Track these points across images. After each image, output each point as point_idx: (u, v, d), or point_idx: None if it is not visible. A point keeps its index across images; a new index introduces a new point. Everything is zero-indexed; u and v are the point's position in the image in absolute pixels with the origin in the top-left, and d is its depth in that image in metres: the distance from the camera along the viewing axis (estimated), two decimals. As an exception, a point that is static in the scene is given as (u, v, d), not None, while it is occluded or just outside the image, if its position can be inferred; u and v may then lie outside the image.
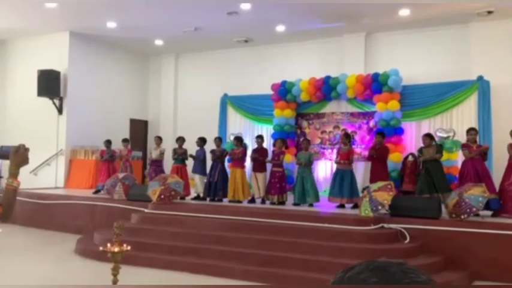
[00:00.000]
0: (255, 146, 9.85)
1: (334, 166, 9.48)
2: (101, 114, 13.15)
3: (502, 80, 9.91)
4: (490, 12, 10.07)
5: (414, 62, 11.06)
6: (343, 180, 8.62)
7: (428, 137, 8.60)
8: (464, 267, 6.35)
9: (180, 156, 10.12)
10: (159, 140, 10.66)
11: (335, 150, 11.15)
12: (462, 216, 6.74)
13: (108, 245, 3.86)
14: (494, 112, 9.93)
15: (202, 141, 10.11)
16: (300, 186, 8.89)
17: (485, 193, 6.78)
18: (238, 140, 9.79)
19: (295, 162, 9.38)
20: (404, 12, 10.34)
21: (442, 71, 10.65)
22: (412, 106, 10.49)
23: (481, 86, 10.00)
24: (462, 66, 10.61)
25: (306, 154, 9.16)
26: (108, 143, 11.11)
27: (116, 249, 3.77)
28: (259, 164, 9.36)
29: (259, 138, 9.71)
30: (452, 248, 6.52)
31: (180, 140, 10.35)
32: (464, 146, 8.13)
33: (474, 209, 6.71)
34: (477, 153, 7.82)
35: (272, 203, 8.97)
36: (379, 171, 8.77)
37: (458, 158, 9.66)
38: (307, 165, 9.00)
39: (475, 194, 6.78)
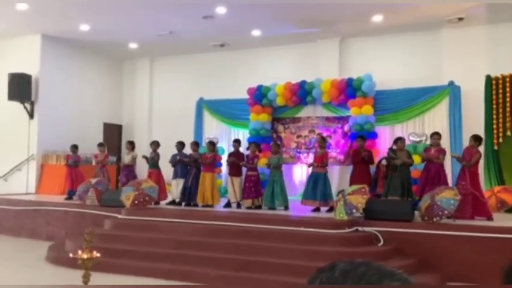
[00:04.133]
0: (232, 150, 9.82)
1: (310, 170, 9.50)
2: (74, 118, 12.91)
3: (472, 85, 10.14)
4: (460, 19, 10.32)
5: (387, 67, 11.24)
6: (316, 183, 8.60)
7: (404, 140, 8.73)
8: (437, 269, 6.44)
9: (154, 161, 10.01)
10: (130, 145, 10.48)
11: (311, 154, 11.24)
12: (434, 219, 6.85)
13: (79, 251, 3.77)
14: (465, 116, 10.16)
15: (181, 145, 9.98)
16: (269, 190, 8.89)
17: (456, 196, 6.91)
18: (212, 144, 9.76)
19: (266, 166, 9.36)
20: (377, 18, 10.50)
21: (415, 76, 10.84)
22: (385, 111, 10.65)
23: (452, 91, 10.23)
24: (434, 71, 10.83)
25: (275, 157, 9.18)
26: (74, 147, 10.86)
27: (86, 256, 3.68)
28: (235, 168, 9.35)
29: (236, 142, 9.71)
30: (425, 250, 6.62)
31: (154, 144, 10.24)
32: (425, 150, 8.48)
33: (446, 212, 6.83)
34: (426, 159, 8.18)
35: (248, 208, 8.94)
36: (361, 174, 8.83)
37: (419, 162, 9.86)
38: (276, 169, 9.00)
39: (447, 197, 6.91)
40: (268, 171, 9.37)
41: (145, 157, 9.95)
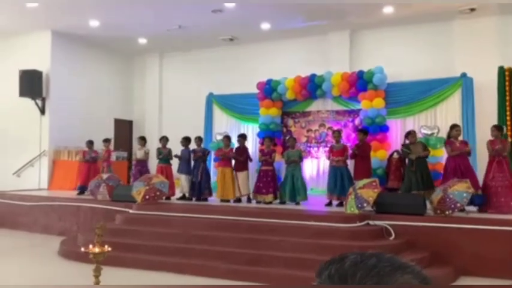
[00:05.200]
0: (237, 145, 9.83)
1: (324, 163, 9.41)
2: (85, 114, 12.98)
3: (485, 76, 9.99)
4: (472, 10, 10.16)
5: (399, 59, 11.11)
6: (342, 179, 8.51)
7: (415, 133, 8.62)
8: (449, 262, 6.38)
9: (165, 156, 10.04)
10: (142, 140, 10.54)
11: (321, 148, 11.18)
12: (447, 212, 6.78)
13: (90, 246, 3.79)
14: (477, 109, 10.01)
15: (186, 140, 10.04)
16: (290, 184, 8.83)
17: (469, 189, 6.83)
18: (228, 138, 9.75)
19: (284, 161, 9.30)
20: (388, 10, 10.37)
21: (426, 68, 10.70)
22: (396, 103, 10.53)
23: (465, 83, 10.08)
24: (446, 63, 10.69)
25: (295, 151, 9.14)
26: (90, 143, 10.95)
27: (97, 250, 3.69)
28: (239, 163, 9.35)
29: (241, 137, 9.69)
30: (437, 244, 6.55)
31: (164, 140, 10.28)
32: (447, 143, 8.11)
33: (458, 205, 6.75)
34: (458, 153, 7.84)
35: (267, 203, 8.88)
36: (361, 168, 8.76)
37: (443, 155, 9.72)
38: (298, 163, 8.96)
39: (459, 189, 6.83)
40: (280, 165, 9.35)
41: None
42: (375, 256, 0.74)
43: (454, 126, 8.17)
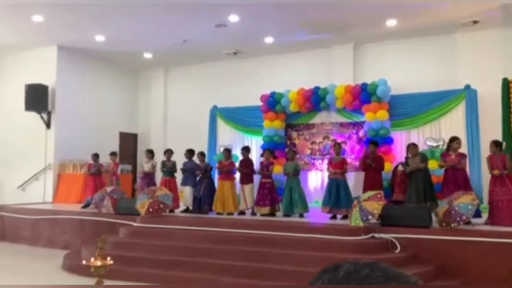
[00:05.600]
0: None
1: (326, 175, 9.41)
2: (90, 128, 13.05)
3: (489, 88, 9.98)
4: (475, 22, 10.18)
5: (402, 71, 11.13)
6: (338, 191, 8.43)
7: (415, 146, 8.59)
8: (456, 275, 6.30)
9: (169, 168, 10.05)
10: (150, 153, 10.55)
11: (326, 161, 11.15)
12: (452, 225, 6.72)
13: (92, 259, 3.77)
14: (481, 120, 9.98)
15: (190, 153, 10.05)
16: (287, 196, 8.82)
17: (474, 201, 6.78)
18: (228, 151, 9.74)
19: (283, 173, 9.29)
20: (391, 23, 10.42)
21: (430, 81, 10.71)
22: (401, 116, 10.52)
23: (469, 95, 10.07)
24: (450, 75, 10.69)
25: (292, 164, 9.09)
26: (95, 156, 10.98)
27: (99, 263, 3.68)
28: (245, 176, 9.33)
29: (245, 150, 9.69)
30: (443, 257, 6.48)
31: (168, 153, 10.30)
32: (442, 155, 8.26)
33: (464, 217, 6.69)
34: (450, 166, 7.91)
35: (264, 215, 8.87)
36: (373, 180, 8.72)
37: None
38: (294, 175, 8.93)
39: (465, 202, 6.77)
40: (284, 178, 9.31)
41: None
42: (368, 266, 0.72)
43: (454, 139, 8.17)
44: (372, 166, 8.83)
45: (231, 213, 9.18)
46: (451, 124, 10.24)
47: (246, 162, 9.49)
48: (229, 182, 9.34)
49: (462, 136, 10.02)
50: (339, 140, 10.93)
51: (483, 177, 9.68)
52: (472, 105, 10.02)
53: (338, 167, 8.60)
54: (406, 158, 8.63)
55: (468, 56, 10.71)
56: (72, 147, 12.39)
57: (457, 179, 7.83)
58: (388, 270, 0.71)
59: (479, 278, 6.21)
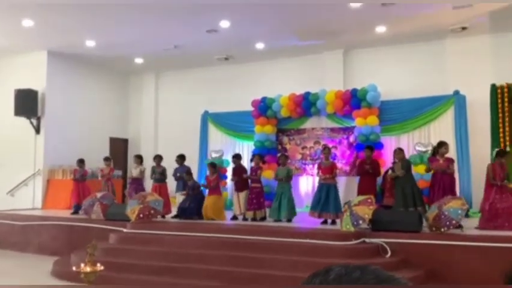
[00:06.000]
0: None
1: (316, 180, 9.42)
2: (80, 133, 12.97)
3: (477, 94, 10.08)
4: (464, 28, 10.30)
5: (392, 77, 11.21)
6: (328, 195, 8.38)
7: (401, 151, 8.64)
8: (446, 280, 6.34)
9: (159, 175, 9.99)
10: (138, 158, 10.52)
11: (316, 166, 11.17)
12: (442, 229, 6.77)
13: (82, 265, 3.74)
14: (470, 126, 10.09)
15: (181, 158, 10.01)
16: (276, 202, 8.78)
17: (464, 205, 6.84)
18: (213, 166, 9.58)
19: (275, 178, 9.27)
20: (380, 29, 10.51)
21: (419, 86, 10.79)
22: (390, 121, 10.61)
23: (457, 101, 10.17)
24: (439, 81, 10.79)
25: (284, 169, 9.06)
26: (80, 162, 10.87)
27: (89, 270, 3.65)
28: (239, 184, 9.30)
29: (235, 157, 9.66)
30: (433, 261, 6.52)
31: (158, 158, 10.25)
32: (430, 160, 8.29)
33: (454, 222, 6.74)
34: (438, 170, 7.96)
35: (253, 219, 8.85)
36: (368, 185, 8.76)
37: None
38: (286, 181, 8.91)
39: (454, 206, 6.83)
40: (275, 183, 9.31)
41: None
42: (359, 269, 0.73)
43: (442, 144, 8.20)
44: (369, 172, 8.87)
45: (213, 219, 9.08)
46: (440, 129, 10.34)
47: (239, 170, 9.46)
48: (213, 196, 9.18)
49: (451, 141, 10.13)
50: (330, 145, 10.97)
51: (472, 182, 9.78)
52: (461, 111, 10.13)
53: (328, 171, 8.56)
54: (394, 163, 8.68)
55: (457, 62, 10.83)
56: (61, 152, 12.30)
57: (444, 183, 7.89)
58: (379, 273, 0.72)
59: (469, 282, 6.25)
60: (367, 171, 8.92)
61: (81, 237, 8.92)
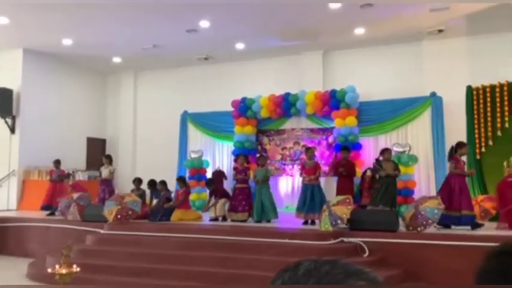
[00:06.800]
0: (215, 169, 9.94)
1: (298, 180, 9.43)
2: (57, 133, 12.74)
3: (453, 95, 10.25)
4: (440, 31, 10.48)
5: (370, 79, 11.33)
6: (313, 196, 8.36)
7: (391, 152, 8.62)
8: (422, 278, 6.43)
9: (142, 198, 9.56)
10: (107, 159, 10.31)
11: (296, 166, 11.21)
12: (419, 229, 6.86)
13: (57, 266, 3.68)
14: (447, 127, 10.26)
15: (163, 184, 9.65)
16: (258, 203, 8.75)
17: (440, 205, 6.94)
18: (182, 180, 9.42)
19: (253, 179, 9.21)
20: (359, 31, 10.61)
21: (397, 88, 10.92)
22: (369, 122, 10.72)
23: (434, 102, 10.34)
24: (416, 82, 10.94)
25: (262, 170, 9.00)
26: (57, 162, 10.69)
27: (64, 271, 3.59)
28: (220, 193, 9.30)
29: (214, 174, 9.68)
30: (410, 260, 6.60)
31: (136, 182, 10.03)
32: (454, 159, 7.69)
33: (430, 221, 6.85)
34: (459, 172, 7.66)
35: (243, 221, 8.77)
36: (345, 186, 8.78)
37: (414, 172, 9.93)
38: (263, 182, 8.87)
39: (431, 206, 6.93)
40: (254, 184, 9.28)
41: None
42: (329, 263, 0.73)
43: (463, 145, 7.76)
44: (343, 174, 8.91)
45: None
46: (418, 130, 10.51)
47: (219, 177, 9.52)
48: (180, 210, 9.06)
49: (428, 142, 10.31)
50: (309, 145, 11.03)
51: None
52: (438, 112, 10.30)
53: (311, 172, 8.54)
54: (377, 160, 8.55)
55: (434, 64, 11.00)
56: (37, 153, 12.06)
57: (461, 185, 7.56)
58: (348, 267, 0.72)
59: (444, 281, 6.35)
60: (341, 174, 8.95)
61: (57, 239, 8.77)
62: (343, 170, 8.90)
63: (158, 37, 11.12)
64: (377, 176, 8.46)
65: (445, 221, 7.30)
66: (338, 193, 8.58)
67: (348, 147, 9.55)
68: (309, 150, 9.08)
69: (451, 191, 7.47)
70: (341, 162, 9.15)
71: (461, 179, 7.62)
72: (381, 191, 8.06)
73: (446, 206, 7.14)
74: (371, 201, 8.22)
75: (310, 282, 0.70)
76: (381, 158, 8.53)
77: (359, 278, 0.71)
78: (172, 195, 9.47)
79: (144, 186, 10.10)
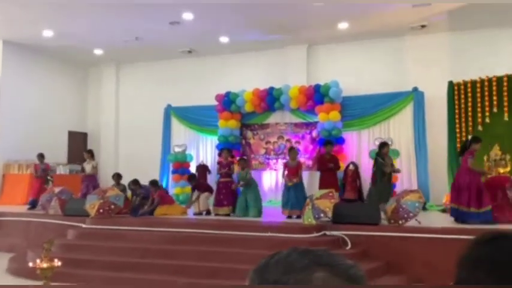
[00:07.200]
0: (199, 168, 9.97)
1: (280, 174, 9.42)
2: (37, 126, 12.54)
3: (435, 90, 10.37)
4: (423, 26, 10.59)
5: (353, 73, 11.39)
6: (296, 194, 8.38)
7: (389, 146, 8.49)
8: (403, 270, 6.52)
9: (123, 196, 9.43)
10: (88, 153, 10.15)
11: (280, 161, 11.25)
12: (400, 222, 6.95)
13: (38, 261, 3.63)
14: (428, 121, 10.39)
15: (136, 184, 9.42)
16: (242, 201, 8.70)
17: (421, 198, 7.05)
18: (153, 184, 9.15)
19: (237, 182, 8.96)
20: (343, 26, 10.65)
21: (380, 83, 11.02)
22: (352, 116, 10.80)
23: (416, 97, 10.46)
24: (399, 77, 11.04)
25: (243, 172, 8.89)
26: (41, 156, 10.53)
27: (45, 265, 3.55)
28: (203, 188, 9.25)
29: (194, 174, 9.55)
30: (392, 253, 6.69)
31: (116, 177, 9.90)
32: (470, 154, 7.25)
33: (411, 214, 6.94)
34: (481, 171, 7.47)
35: (227, 215, 8.75)
36: (329, 180, 8.82)
37: (396, 166, 10.02)
38: (247, 183, 8.78)
39: (412, 199, 7.03)
40: (237, 176, 9.26)
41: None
42: (303, 252, 0.75)
43: (478, 140, 7.37)
44: (332, 168, 8.94)
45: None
46: (400, 125, 10.62)
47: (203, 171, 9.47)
48: (166, 206, 8.99)
49: (410, 137, 10.43)
50: (293, 140, 11.08)
51: (429, 175, 10.10)
52: (419, 107, 10.42)
53: (294, 172, 8.51)
54: (378, 154, 8.33)
55: (416, 59, 11.11)
56: (17, 146, 11.87)
57: (478, 182, 7.21)
58: (322, 258, 0.73)
59: (425, 273, 6.45)
60: (329, 168, 8.98)
61: (38, 233, 8.67)
62: (332, 166, 8.93)
63: (141, 29, 11.00)
64: (380, 171, 8.20)
65: (467, 218, 7.06)
66: (322, 187, 8.61)
67: (331, 141, 9.63)
68: (292, 150, 8.99)
69: (468, 189, 7.08)
70: (325, 157, 9.19)
71: (479, 176, 7.29)
72: (387, 187, 8.02)
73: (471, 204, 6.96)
74: (381, 198, 7.81)
75: (279, 269, 0.72)
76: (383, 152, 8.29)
77: (328, 270, 0.71)
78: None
79: (124, 181, 9.93)
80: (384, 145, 8.38)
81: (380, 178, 8.16)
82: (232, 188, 8.95)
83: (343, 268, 0.72)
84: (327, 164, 9.04)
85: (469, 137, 7.84)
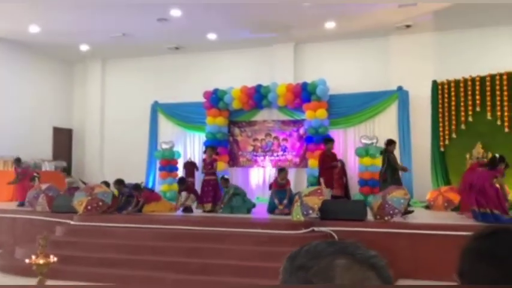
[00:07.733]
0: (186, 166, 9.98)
1: (272, 172, 9.43)
2: (22, 122, 12.40)
3: (419, 90, 10.57)
4: (408, 26, 10.77)
5: (340, 72, 11.52)
6: (284, 197, 8.47)
7: (395, 143, 8.52)
8: (390, 265, 6.60)
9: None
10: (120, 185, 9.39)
11: (267, 157, 11.34)
12: (386, 218, 7.10)
13: (33, 257, 3.65)
14: (413, 120, 10.59)
15: (120, 184, 9.18)
16: (228, 198, 8.70)
17: (406, 195, 7.21)
18: (136, 189, 8.92)
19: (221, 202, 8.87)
20: (330, 25, 10.77)
21: (366, 81, 11.17)
22: (338, 114, 10.94)
23: (401, 96, 10.65)
24: (384, 77, 11.22)
25: (230, 188, 8.88)
26: (17, 161, 10.26)
27: (41, 261, 3.57)
28: (189, 189, 9.30)
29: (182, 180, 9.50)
30: (378, 248, 6.47)
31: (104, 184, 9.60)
32: (499, 172, 7.29)
33: (397, 211, 7.09)
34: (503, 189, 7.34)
35: (208, 211, 8.79)
36: (332, 178, 8.85)
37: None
38: (231, 196, 8.76)
39: (397, 196, 7.18)
40: (227, 173, 9.25)
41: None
42: (331, 244, 0.81)
43: (504, 160, 7.50)
44: (337, 166, 8.97)
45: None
46: (385, 123, 10.81)
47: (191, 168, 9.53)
48: (156, 202, 9.03)
49: (394, 135, 10.60)
50: (280, 137, 11.18)
51: (413, 174, 10.28)
52: (404, 106, 10.62)
53: (281, 187, 8.61)
54: (385, 151, 8.41)
55: (401, 58, 11.30)
56: (2, 142, 11.72)
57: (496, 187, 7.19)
58: (346, 247, 0.80)
59: (411, 268, 6.61)
60: (335, 166, 8.94)
61: (25, 230, 8.62)
62: (335, 163, 8.93)
63: (128, 25, 10.96)
64: (384, 168, 8.31)
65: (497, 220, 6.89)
66: (328, 185, 8.49)
67: (331, 138, 9.56)
68: (282, 171, 8.85)
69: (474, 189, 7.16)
70: (328, 155, 9.11)
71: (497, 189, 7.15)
72: (399, 184, 8.05)
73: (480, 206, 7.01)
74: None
75: (307, 256, 0.78)
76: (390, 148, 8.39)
77: (350, 258, 0.77)
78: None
79: (110, 179, 9.77)
80: (391, 142, 8.40)
81: (392, 175, 8.22)
82: (217, 212, 8.78)
83: (365, 256, 0.78)
84: (331, 163, 9.02)
85: (497, 155, 7.69)
